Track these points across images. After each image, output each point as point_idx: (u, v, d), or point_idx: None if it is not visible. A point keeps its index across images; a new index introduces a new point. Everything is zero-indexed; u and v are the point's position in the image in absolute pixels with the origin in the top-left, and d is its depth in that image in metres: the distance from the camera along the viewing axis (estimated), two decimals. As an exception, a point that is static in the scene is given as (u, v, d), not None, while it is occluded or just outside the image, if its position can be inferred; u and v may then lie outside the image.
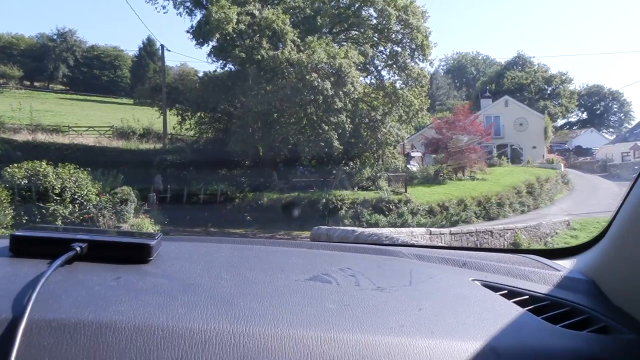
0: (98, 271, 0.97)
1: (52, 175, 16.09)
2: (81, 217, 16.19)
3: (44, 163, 16.42)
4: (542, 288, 1.25)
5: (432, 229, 14.31)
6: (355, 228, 12.28)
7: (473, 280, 1.24)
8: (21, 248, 1.03)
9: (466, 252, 1.62)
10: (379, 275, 1.21)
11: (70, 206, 16.05)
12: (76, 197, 16.33)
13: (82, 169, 17.20)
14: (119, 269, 0.99)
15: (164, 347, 0.76)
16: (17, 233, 1.05)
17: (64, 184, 16.10)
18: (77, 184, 16.52)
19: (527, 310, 1.09)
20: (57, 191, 15.87)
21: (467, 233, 15.29)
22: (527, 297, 1.17)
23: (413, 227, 17.86)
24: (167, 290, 0.92)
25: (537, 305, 1.14)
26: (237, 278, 1.05)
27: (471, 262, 1.39)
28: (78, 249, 0.99)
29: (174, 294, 0.91)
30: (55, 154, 23.29)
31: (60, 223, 15.28)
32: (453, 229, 15.64)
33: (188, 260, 1.14)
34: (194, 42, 26.79)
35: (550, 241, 18.49)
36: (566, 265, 1.47)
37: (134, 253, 1.06)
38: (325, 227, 12.88)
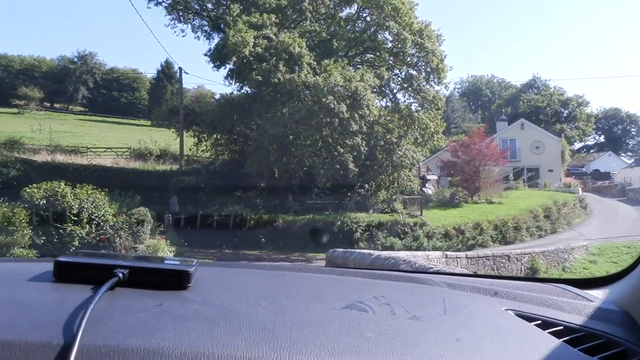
0: (140, 297, 0.98)
1: (70, 196, 16.25)
2: (98, 238, 16.27)
3: (62, 184, 16.60)
4: (576, 319, 1.24)
5: (448, 253, 14.17)
6: (372, 251, 12.20)
7: (506, 309, 1.24)
8: (64, 273, 1.05)
9: (496, 280, 1.62)
10: (413, 303, 1.22)
11: (88, 227, 16.17)
12: (93, 217, 16.45)
13: (99, 189, 17.35)
14: (160, 295, 1.00)
15: None
16: (61, 259, 1.07)
17: (82, 205, 16.25)
18: (94, 204, 16.65)
19: (563, 341, 1.08)
20: (74, 212, 16.01)
21: (483, 257, 15.12)
22: (561, 327, 1.16)
23: (429, 250, 17.72)
24: (208, 317, 0.93)
25: (573, 336, 1.13)
26: (274, 305, 1.05)
27: (503, 291, 1.38)
28: (120, 275, 1.01)
29: (215, 321, 0.92)
30: (74, 175, 23.58)
31: (77, 243, 15.41)
32: (469, 253, 15.48)
33: (225, 287, 1.15)
34: (212, 65, 27.20)
35: (568, 266, 18.23)
36: (598, 295, 1.46)
37: (174, 280, 1.07)
38: (341, 249, 12.81)
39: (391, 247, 20.28)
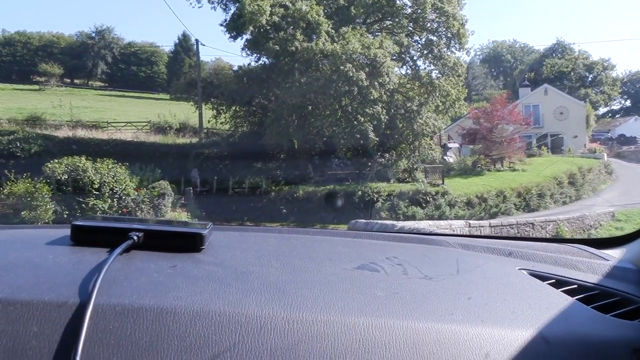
0: (154, 259, 1.00)
1: (92, 170, 16.51)
2: (119, 211, 16.56)
3: (83, 158, 16.84)
4: (590, 277, 1.24)
5: (471, 222, 14.15)
6: (394, 222, 12.24)
7: (520, 269, 1.24)
8: (81, 237, 1.07)
9: (511, 241, 1.61)
10: (426, 264, 1.22)
11: (109, 200, 16.43)
12: (115, 191, 16.71)
13: (120, 163, 17.57)
14: (174, 257, 1.02)
15: (221, 332, 0.79)
16: (77, 223, 1.09)
17: (103, 179, 16.50)
18: (115, 178, 16.90)
19: (576, 299, 1.08)
20: (96, 186, 16.28)
21: (507, 225, 15.06)
22: (575, 286, 1.16)
23: (451, 219, 17.68)
24: (221, 278, 0.95)
25: (586, 294, 1.13)
26: (286, 266, 1.07)
27: (517, 251, 1.38)
28: (135, 238, 1.03)
29: (228, 281, 0.94)
30: (95, 149, 23.88)
31: (100, 217, 15.67)
32: (493, 221, 15.43)
33: (238, 249, 1.17)
34: (228, 35, 27.03)
35: (594, 233, 18.05)
36: (614, 255, 1.45)
37: (188, 242, 1.09)
38: (363, 220, 12.85)
39: (413, 217, 20.24)
